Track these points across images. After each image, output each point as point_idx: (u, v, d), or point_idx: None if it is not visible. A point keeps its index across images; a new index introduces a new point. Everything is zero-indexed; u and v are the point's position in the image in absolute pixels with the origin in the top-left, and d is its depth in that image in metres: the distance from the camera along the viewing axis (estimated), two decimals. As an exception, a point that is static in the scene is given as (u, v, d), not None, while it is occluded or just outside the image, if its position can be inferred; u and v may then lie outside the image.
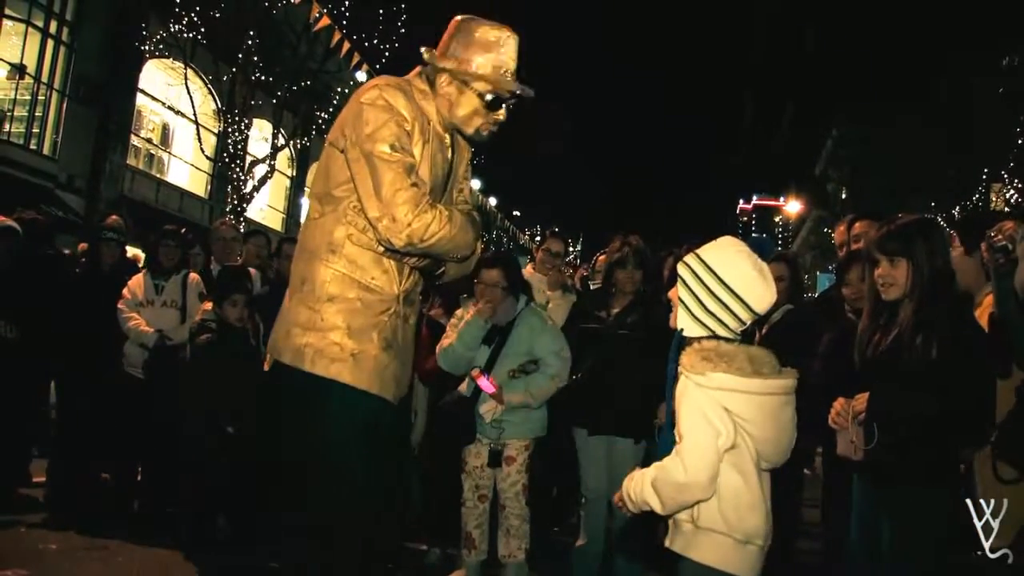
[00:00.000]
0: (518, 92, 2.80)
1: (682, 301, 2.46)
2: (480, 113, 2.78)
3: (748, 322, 2.43)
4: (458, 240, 2.61)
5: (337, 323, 2.61)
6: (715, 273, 2.41)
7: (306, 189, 28.78)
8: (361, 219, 2.63)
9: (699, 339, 2.42)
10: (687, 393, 2.35)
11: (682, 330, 2.46)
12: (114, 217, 6.72)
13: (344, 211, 2.66)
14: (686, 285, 2.46)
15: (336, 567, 2.60)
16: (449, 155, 2.85)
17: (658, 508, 2.35)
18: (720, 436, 2.29)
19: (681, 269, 2.49)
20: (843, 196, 38.16)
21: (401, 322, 2.75)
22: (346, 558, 2.60)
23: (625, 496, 2.45)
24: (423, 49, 2.81)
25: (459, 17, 2.80)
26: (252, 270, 6.32)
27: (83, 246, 7.10)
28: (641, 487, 2.39)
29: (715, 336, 2.41)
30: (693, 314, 2.43)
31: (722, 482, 2.31)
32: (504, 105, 2.80)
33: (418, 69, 2.85)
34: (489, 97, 2.75)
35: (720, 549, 2.35)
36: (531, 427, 4.69)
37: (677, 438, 2.38)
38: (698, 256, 2.48)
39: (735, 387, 2.31)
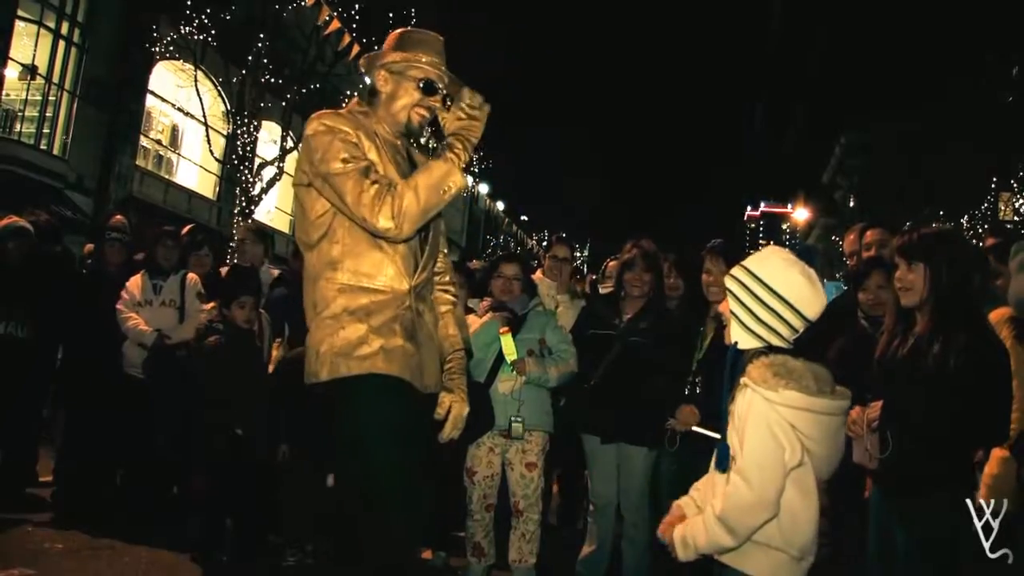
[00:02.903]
0: (448, 80, 2.96)
1: (734, 314, 2.48)
2: (415, 100, 2.92)
3: (800, 330, 2.44)
4: (431, 192, 2.66)
5: (359, 327, 2.70)
6: (765, 283, 2.43)
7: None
8: (350, 232, 2.74)
9: (760, 352, 2.43)
10: (754, 407, 2.34)
11: (736, 343, 2.47)
12: (118, 217, 6.72)
13: (333, 231, 2.76)
14: (737, 298, 2.48)
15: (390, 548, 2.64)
16: (407, 157, 2.98)
17: (730, 542, 2.32)
18: (786, 452, 2.29)
19: (730, 283, 2.51)
20: (851, 204, 38.09)
21: (416, 316, 2.81)
22: (398, 544, 2.64)
23: (678, 544, 2.43)
24: (361, 58, 3.06)
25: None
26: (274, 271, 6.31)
27: (89, 247, 7.12)
28: (705, 528, 2.36)
29: (770, 347, 2.42)
30: (746, 326, 2.45)
31: (784, 498, 2.31)
32: (438, 92, 2.94)
33: (356, 99, 3.05)
34: (422, 83, 2.91)
35: (775, 564, 2.34)
36: (546, 420, 4.69)
37: (733, 450, 2.38)
38: (746, 268, 2.50)
39: (805, 406, 2.32)
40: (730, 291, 2.51)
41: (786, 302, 2.40)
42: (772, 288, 2.42)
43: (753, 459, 2.31)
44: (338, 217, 2.74)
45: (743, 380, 2.40)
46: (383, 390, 2.68)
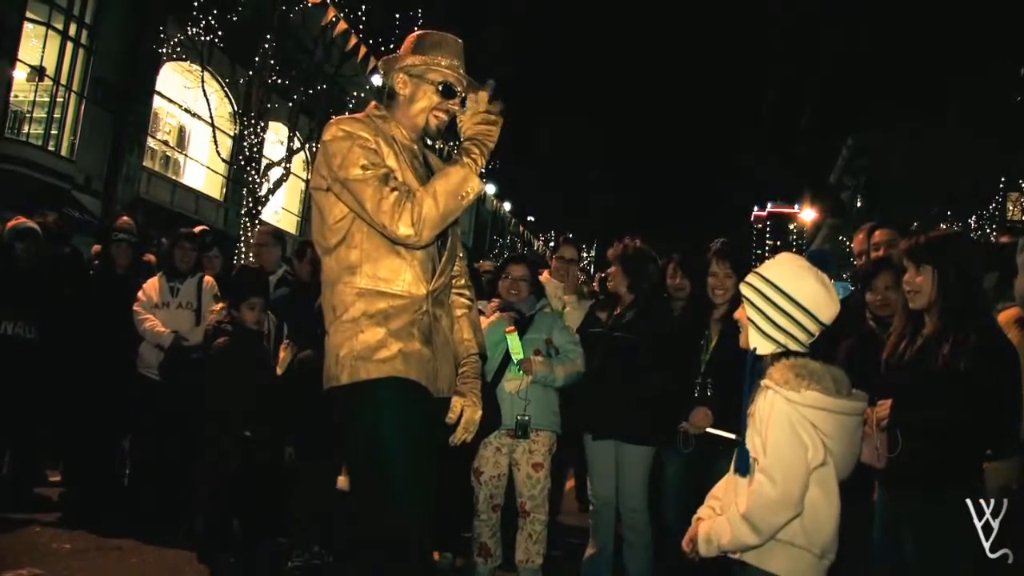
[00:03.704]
0: (467, 83, 2.96)
1: (751, 320, 2.53)
2: (434, 103, 2.93)
3: (816, 334, 2.49)
4: (449, 198, 2.67)
5: (378, 331, 2.71)
6: (780, 289, 2.48)
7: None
8: (369, 237, 2.76)
9: (780, 355, 2.47)
10: (776, 408, 2.38)
11: (755, 349, 2.51)
12: (124, 218, 6.74)
13: (351, 236, 2.78)
14: (753, 304, 2.53)
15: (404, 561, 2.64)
16: (423, 161, 2.99)
17: (754, 540, 2.36)
18: (809, 451, 2.33)
19: (745, 289, 2.56)
20: (858, 204, 38.03)
21: (432, 321, 2.84)
22: (409, 552, 2.64)
23: (701, 541, 2.47)
24: (379, 61, 3.03)
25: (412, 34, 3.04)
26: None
27: (97, 248, 7.14)
28: (729, 526, 2.39)
29: (787, 351, 2.47)
30: (763, 331, 2.50)
31: (807, 497, 2.35)
32: (456, 95, 2.95)
33: (373, 103, 3.03)
34: (441, 86, 2.92)
35: (797, 562, 2.38)
36: (553, 420, 4.69)
37: (754, 453, 2.41)
38: (761, 275, 2.55)
39: (825, 406, 2.36)
40: (746, 298, 2.55)
41: (802, 307, 2.46)
42: (788, 294, 2.47)
43: (777, 458, 2.34)
44: (356, 222, 2.76)
45: (764, 382, 2.44)
46: (402, 393, 2.69)
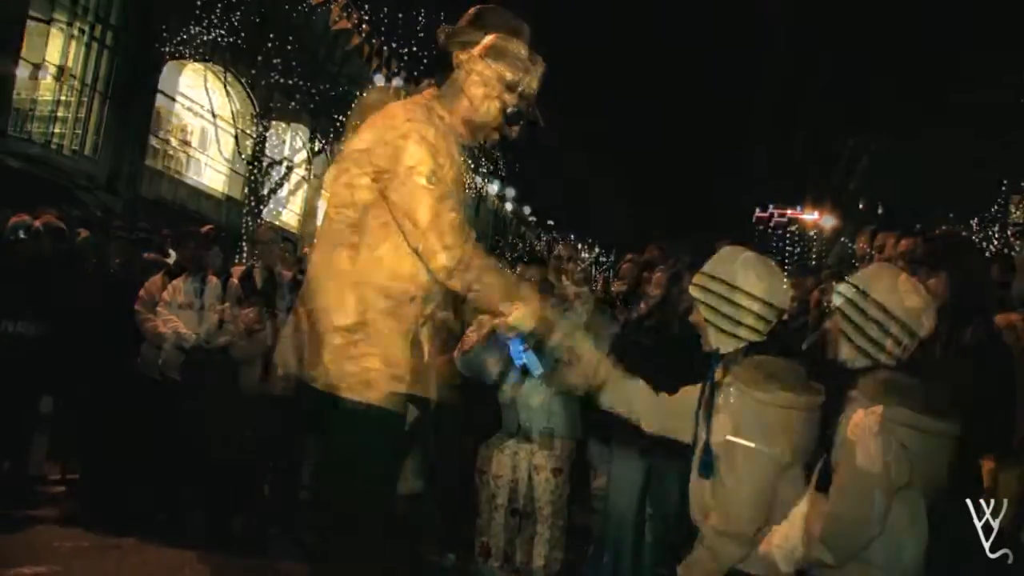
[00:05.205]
0: (535, 116, 2.86)
1: (709, 321, 2.47)
2: (496, 123, 2.82)
3: (774, 320, 2.43)
4: (492, 289, 2.59)
5: (376, 349, 2.63)
6: (731, 284, 2.42)
7: (323, 192, 28.85)
8: (397, 253, 2.63)
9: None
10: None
11: (718, 349, 2.46)
12: (118, 218, 6.75)
13: (377, 244, 2.64)
14: (707, 305, 2.46)
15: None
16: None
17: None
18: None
19: (695, 292, 2.51)
20: (860, 207, 38.03)
21: (425, 323, 2.76)
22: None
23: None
24: (458, 51, 2.78)
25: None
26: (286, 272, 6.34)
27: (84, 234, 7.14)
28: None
29: (750, 344, 2.40)
30: (722, 329, 2.43)
31: (779, 499, 2.30)
32: (519, 123, 2.86)
33: (432, 90, 2.84)
34: (511, 111, 2.79)
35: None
36: (574, 427, 4.67)
37: (718, 452, 2.34)
38: (707, 274, 2.49)
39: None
40: (698, 300, 2.49)
41: (757, 298, 2.40)
42: (740, 287, 2.41)
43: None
44: (382, 231, 2.62)
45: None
46: (382, 421, 2.65)
